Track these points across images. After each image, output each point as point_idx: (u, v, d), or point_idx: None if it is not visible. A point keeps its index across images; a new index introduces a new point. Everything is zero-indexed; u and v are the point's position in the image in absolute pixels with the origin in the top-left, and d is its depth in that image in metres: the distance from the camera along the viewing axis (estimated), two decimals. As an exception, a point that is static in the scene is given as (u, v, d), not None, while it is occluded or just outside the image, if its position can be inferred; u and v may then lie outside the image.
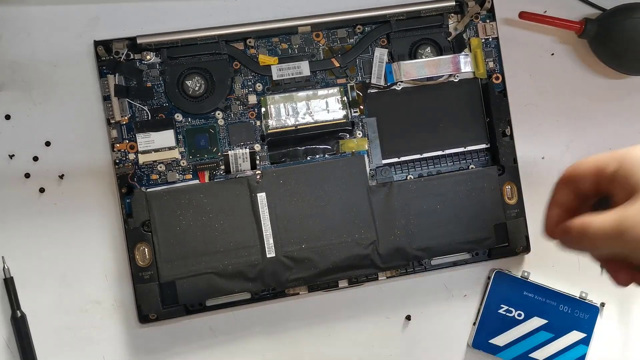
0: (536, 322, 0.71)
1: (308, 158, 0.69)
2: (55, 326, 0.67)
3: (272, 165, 0.68)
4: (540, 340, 0.71)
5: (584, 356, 0.71)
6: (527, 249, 0.71)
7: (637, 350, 0.75)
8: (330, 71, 0.70)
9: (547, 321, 0.71)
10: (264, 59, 0.69)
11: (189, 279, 0.65)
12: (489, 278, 0.72)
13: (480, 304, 0.72)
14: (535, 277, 0.72)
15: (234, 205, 0.66)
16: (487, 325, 0.71)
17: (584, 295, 0.72)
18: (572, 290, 0.72)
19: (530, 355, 0.71)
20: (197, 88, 0.68)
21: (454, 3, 0.70)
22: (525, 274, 0.72)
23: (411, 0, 0.70)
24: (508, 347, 0.71)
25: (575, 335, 0.71)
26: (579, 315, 0.71)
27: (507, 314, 0.71)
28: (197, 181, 0.68)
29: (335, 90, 0.69)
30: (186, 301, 0.66)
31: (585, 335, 0.71)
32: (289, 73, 0.69)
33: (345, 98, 0.69)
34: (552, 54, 0.75)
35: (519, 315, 0.71)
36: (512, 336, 0.71)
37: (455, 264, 0.71)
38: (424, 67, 0.70)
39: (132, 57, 0.67)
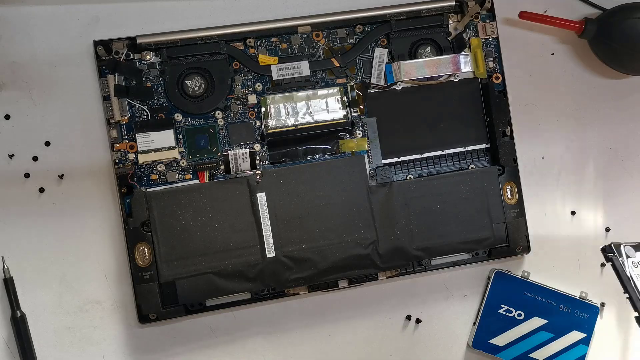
0: (536, 322, 0.71)
1: (308, 158, 0.69)
2: (55, 326, 0.67)
3: (272, 165, 0.68)
4: (540, 340, 0.71)
5: (584, 356, 0.71)
6: (527, 249, 0.71)
7: (637, 350, 0.75)
8: (330, 71, 0.70)
9: (547, 321, 0.71)
10: (263, 58, 0.69)
11: (189, 279, 0.65)
12: (489, 278, 0.72)
13: (480, 304, 0.72)
14: (535, 277, 0.72)
15: (234, 205, 0.66)
16: (487, 325, 0.71)
17: (584, 295, 0.72)
18: (572, 290, 0.72)
19: (530, 355, 0.71)
20: (197, 88, 0.68)
21: (454, 3, 0.70)
22: (525, 274, 0.72)
23: (411, 0, 0.70)
24: (508, 347, 0.71)
25: (575, 335, 0.71)
26: (579, 315, 0.71)
27: (507, 314, 0.71)
28: (197, 181, 0.68)
29: (335, 90, 0.69)
30: (186, 301, 0.66)
31: (585, 335, 0.71)
32: (288, 73, 0.69)
33: (345, 98, 0.69)
34: (552, 54, 0.75)
35: (519, 315, 0.71)
36: (512, 336, 0.71)
37: (455, 264, 0.71)
38: (424, 67, 0.70)
39: (132, 57, 0.67)
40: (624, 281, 0.62)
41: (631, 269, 0.62)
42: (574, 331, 0.71)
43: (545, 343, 0.71)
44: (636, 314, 0.62)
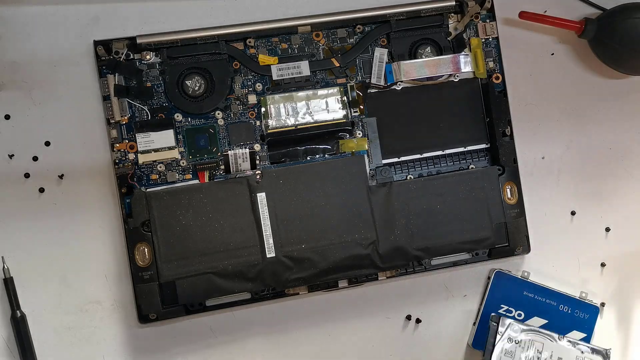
0: (536, 322, 0.71)
1: (308, 158, 0.69)
2: (55, 326, 0.67)
3: (272, 165, 0.68)
4: (540, 340, 0.71)
5: (584, 356, 0.71)
6: (527, 249, 0.71)
7: (637, 350, 0.75)
8: (330, 71, 0.70)
9: (547, 321, 0.71)
10: (263, 58, 0.69)
11: (189, 279, 0.65)
12: (489, 278, 0.72)
13: (480, 304, 0.72)
14: (535, 277, 0.72)
15: (234, 205, 0.66)
16: (487, 325, 0.71)
17: (584, 295, 0.72)
18: (572, 290, 0.72)
19: (530, 355, 0.71)
20: (197, 88, 0.68)
21: (454, 3, 0.70)
22: (525, 274, 0.72)
23: (411, 0, 0.70)
24: (508, 347, 0.71)
25: (575, 335, 0.71)
26: (579, 315, 0.71)
27: (507, 314, 0.71)
28: (197, 181, 0.68)
29: (335, 90, 0.69)
30: (186, 301, 0.66)
31: (585, 335, 0.71)
32: (289, 73, 0.69)
33: (345, 98, 0.69)
34: (552, 54, 0.75)
35: (519, 315, 0.71)
36: (512, 336, 0.71)
37: (455, 264, 0.71)
38: (424, 67, 0.70)
39: (132, 57, 0.67)
40: (486, 348, 0.67)
41: (503, 342, 0.67)
42: (574, 331, 0.71)
43: (545, 343, 0.71)
44: None
